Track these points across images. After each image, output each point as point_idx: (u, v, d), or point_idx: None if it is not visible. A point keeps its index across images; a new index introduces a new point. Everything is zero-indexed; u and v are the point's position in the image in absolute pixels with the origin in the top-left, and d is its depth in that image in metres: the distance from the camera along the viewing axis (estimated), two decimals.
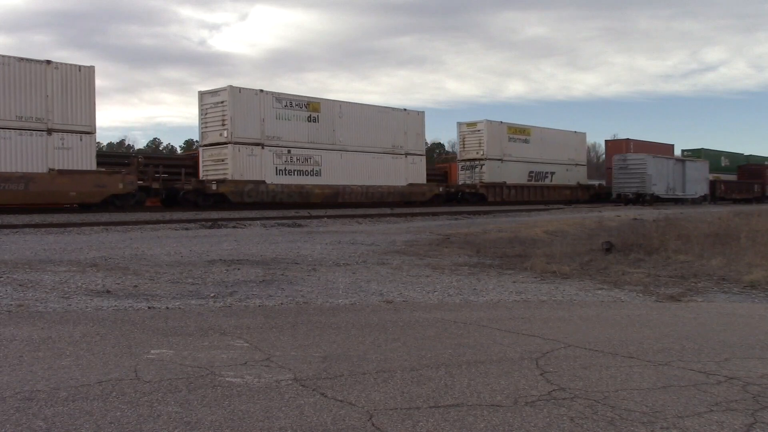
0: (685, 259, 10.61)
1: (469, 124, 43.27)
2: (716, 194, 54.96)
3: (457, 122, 43.73)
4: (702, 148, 61.11)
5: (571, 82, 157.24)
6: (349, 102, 34.76)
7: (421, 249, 12.73)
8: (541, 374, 4.15)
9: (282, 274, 8.79)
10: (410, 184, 36.50)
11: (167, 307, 6.35)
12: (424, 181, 37.83)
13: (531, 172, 45.61)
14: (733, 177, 61.87)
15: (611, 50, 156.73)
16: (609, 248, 11.79)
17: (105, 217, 21.43)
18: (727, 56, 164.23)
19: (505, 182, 42.57)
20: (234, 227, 18.46)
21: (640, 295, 7.72)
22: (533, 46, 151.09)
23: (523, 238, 15.11)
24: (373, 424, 3.22)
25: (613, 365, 4.41)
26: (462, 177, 42.86)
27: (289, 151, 30.74)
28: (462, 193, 40.97)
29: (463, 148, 43.29)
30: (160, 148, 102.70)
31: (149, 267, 9.30)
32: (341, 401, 3.55)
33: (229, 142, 28.67)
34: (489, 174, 42.08)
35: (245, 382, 3.88)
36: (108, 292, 7.16)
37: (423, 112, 37.97)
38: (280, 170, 30.54)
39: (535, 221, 21.95)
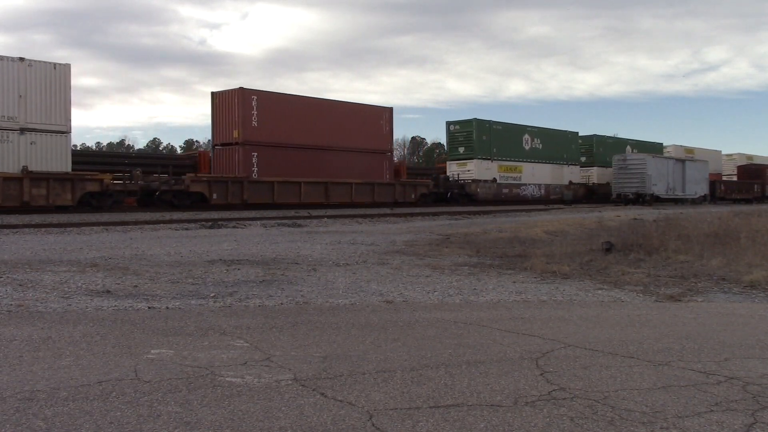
0: (685, 259, 10.61)
1: None
2: (716, 194, 54.97)
3: None
4: (474, 118, 41.77)
5: (573, 82, 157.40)
6: None
7: (421, 249, 12.73)
8: (541, 374, 4.15)
9: (282, 274, 8.78)
10: None
11: (167, 307, 6.35)
12: None
13: None
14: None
15: (613, 50, 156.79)
16: (609, 248, 11.78)
17: (105, 217, 21.44)
18: (729, 56, 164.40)
19: None
20: (234, 227, 18.46)
21: (640, 295, 7.72)
22: (535, 45, 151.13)
23: (523, 238, 15.11)
24: (373, 424, 3.22)
25: (613, 365, 4.41)
26: None
27: None
28: None
29: None
30: (160, 149, 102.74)
31: (149, 267, 9.30)
32: (341, 401, 3.55)
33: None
34: None
35: (245, 382, 3.88)
36: (108, 292, 7.16)
37: None
38: None
39: (535, 221, 21.96)
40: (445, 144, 45.75)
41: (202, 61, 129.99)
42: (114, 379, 3.89)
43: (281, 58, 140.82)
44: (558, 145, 46.61)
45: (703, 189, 52.87)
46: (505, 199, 41.70)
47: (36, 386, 3.71)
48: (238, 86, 29.64)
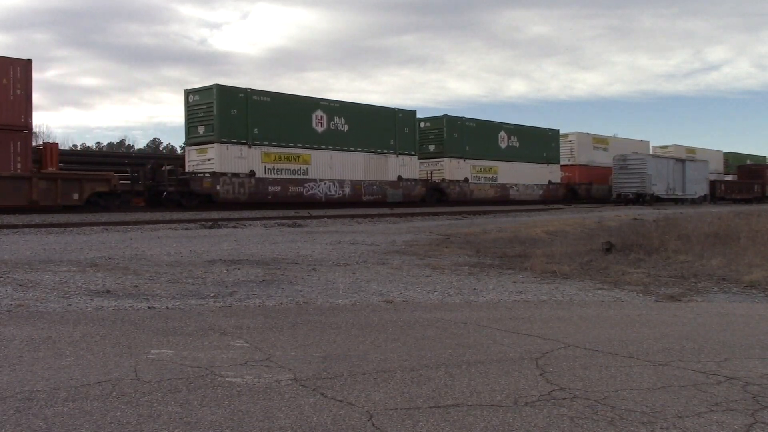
0: (685, 259, 10.61)
1: None
2: (716, 194, 54.97)
3: None
4: (216, 84, 27.80)
5: (573, 82, 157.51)
6: None
7: (421, 249, 12.72)
8: (541, 374, 4.15)
9: (282, 274, 8.78)
10: None
11: (167, 307, 6.35)
12: None
13: None
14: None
15: (614, 49, 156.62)
16: (609, 248, 11.78)
17: (105, 217, 21.44)
18: (730, 55, 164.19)
19: None
20: (234, 227, 18.46)
21: (640, 295, 7.72)
22: (536, 45, 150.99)
23: (523, 238, 15.11)
24: (373, 424, 3.22)
25: (613, 365, 4.41)
26: None
27: None
28: None
29: None
30: (161, 148, 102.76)
31: (149, 267, 9.30)
32: (341, 401, 3.55)
33: None
34: None
35: (245, 382, 3.88)
36: (108, 292, 7.16)
37: None
38: None
39: (535, 221, 21.96)
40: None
41: (203, 60, 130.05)
42: (114, 379, 3.89)
43: (282, 58, 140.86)
44: (380, 128, 33.55)
45: (703, 189, 52.88)
46: (274, 200, 29.05)
47: (36, 386, 3.71)
48: None
